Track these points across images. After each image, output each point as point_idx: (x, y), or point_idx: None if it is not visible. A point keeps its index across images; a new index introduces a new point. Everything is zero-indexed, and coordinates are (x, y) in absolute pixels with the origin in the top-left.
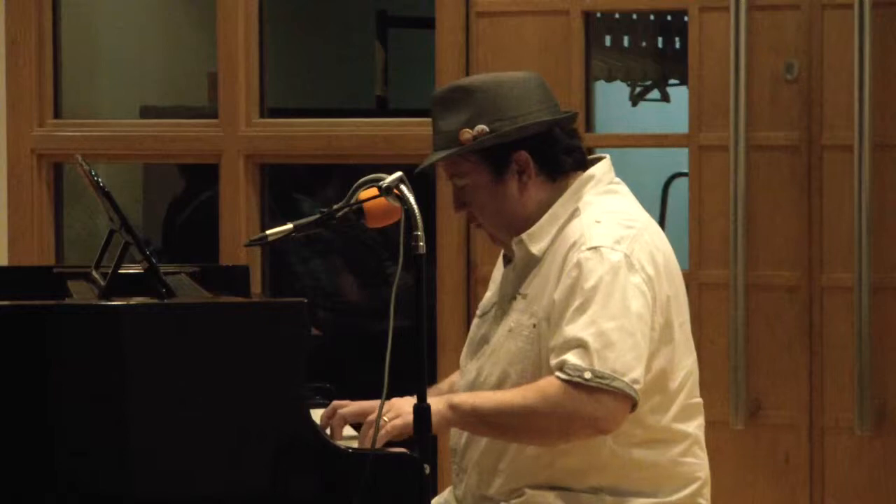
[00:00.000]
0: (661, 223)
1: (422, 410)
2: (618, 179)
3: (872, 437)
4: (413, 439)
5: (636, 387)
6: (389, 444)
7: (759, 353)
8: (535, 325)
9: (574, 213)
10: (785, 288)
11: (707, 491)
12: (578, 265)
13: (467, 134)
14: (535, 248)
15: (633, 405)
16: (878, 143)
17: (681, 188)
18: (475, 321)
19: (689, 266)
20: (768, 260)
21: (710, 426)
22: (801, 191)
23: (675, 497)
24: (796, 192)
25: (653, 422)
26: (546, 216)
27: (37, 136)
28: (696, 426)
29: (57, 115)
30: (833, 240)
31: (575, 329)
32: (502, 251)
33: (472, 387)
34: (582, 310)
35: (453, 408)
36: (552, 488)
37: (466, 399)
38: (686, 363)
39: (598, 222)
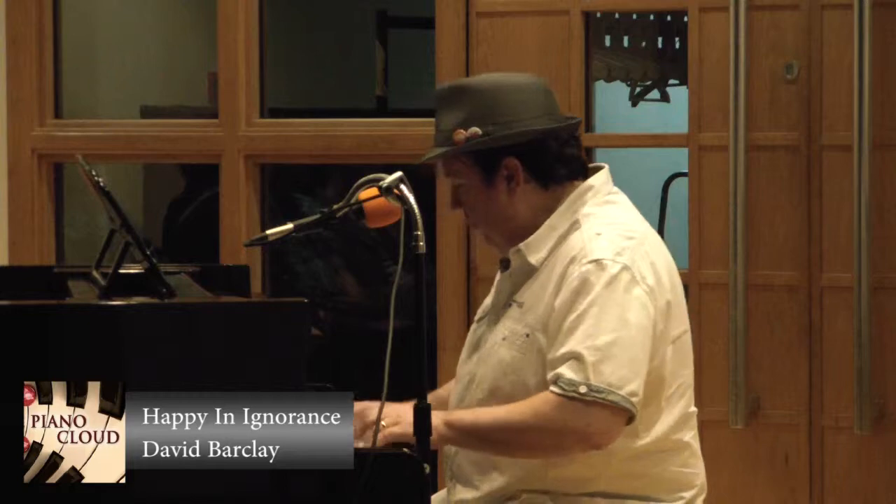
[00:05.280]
0: (661, 223)
1: (422, 410)
2: (616, 189)
3: (872, 437)
4: (412, 443)
5: (634, 399)
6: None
7: (759, 352)
8: (528, 335)
9: (574, 226)
10: (785, 288)
11: (702, 500)
12: (580, 278)
13: (460, 135)
14: (533, 259)
15: (630, 418)
16: (878, 142)
17: (681, 188)
18: (473, 325)
19: (689, 266)
20: (768, 260)
21: (710, 426)
22: (801, 190)
23: None
24: (796, 191)
25: (651, 432)
26: (544, 227)
27: (37, 136)
28: (692, 436)
29: (57, 115)
30: (833, 239)
31: (571, 342)
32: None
33: (466, 393)
34: (579, 323)
35: (449, 425)
36: (547, 492)
37: (463, 416)
38: (683, 373)
39: (599, 234)
